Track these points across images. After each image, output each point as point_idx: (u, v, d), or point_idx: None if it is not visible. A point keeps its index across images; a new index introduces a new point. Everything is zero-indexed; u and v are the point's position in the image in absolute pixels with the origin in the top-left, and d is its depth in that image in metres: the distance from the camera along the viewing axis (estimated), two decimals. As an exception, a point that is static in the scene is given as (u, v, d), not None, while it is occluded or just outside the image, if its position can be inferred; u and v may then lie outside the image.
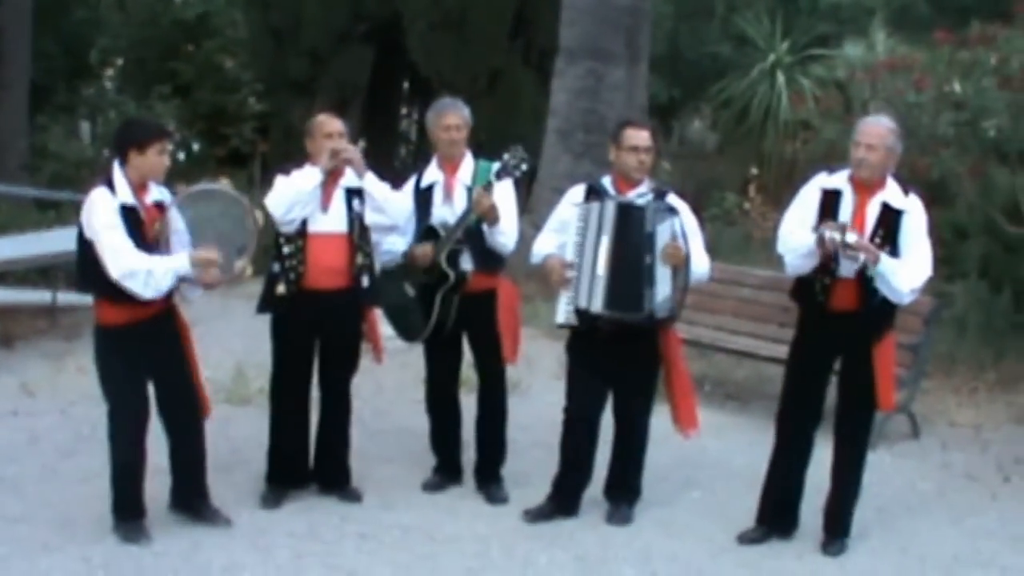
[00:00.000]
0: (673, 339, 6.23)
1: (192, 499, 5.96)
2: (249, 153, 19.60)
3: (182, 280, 5.56)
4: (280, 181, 6.16)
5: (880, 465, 7.24)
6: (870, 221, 5.66)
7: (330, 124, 6.26)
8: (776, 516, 6.09)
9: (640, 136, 6.08)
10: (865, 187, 5.69)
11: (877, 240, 5.60)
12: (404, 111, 24.54)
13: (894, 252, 5.60)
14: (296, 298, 6.11)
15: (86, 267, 5.51)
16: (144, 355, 5.63)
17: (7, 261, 9.37)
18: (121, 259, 5.37)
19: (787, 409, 6.04)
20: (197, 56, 22.00)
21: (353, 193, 6.19)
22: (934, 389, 9.07)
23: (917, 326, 7.92)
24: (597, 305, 5.85)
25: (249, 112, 20.51)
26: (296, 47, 19.41)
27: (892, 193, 5.70)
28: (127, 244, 5.38)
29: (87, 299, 11.34)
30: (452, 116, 6.47)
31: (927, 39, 10.67)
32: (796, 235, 5.75)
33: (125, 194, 5.46)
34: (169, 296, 5.66)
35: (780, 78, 18.24)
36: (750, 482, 6.29)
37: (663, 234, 5.83)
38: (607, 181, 6.15)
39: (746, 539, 6.05)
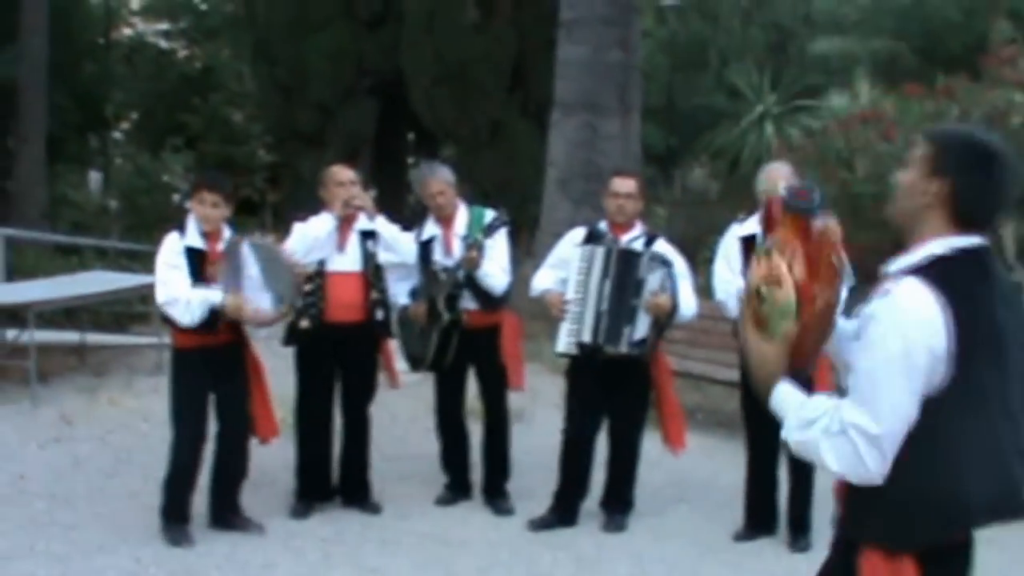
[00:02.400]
0: (663, 367, 6.96)
1: (226, 512, 6.63)
2: (260, 202, 20.15)
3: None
4: (298, 228, 6.86)
5: (853, 481, 7.96)
6: None
7: (341, 173, 6.99)
8: (759, 516, 6.80)
9: (624, 184, 6.83)
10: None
11: None
12: (411, 160, 25.14)
13: None
14: (318, 331, 6.81)
15: None
16: (209, 378, 6.35)
17: (40, 302, 10.03)
18: (165, 288, 6.14)
19: (749, 426, 6.76)
20: (204, 109, 22.57)
21: (366, 235, 6.92)
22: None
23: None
24: (586, 335, 6.58)
25: (259, 163, 21.06)
26: (304, 100, 19.85)
27: None
28: (174, 277, 6.13)
29: (113, 338, 12.14)
30: (434, 183, 7.15)
31: (898, 91, 11.41)
32: (729, 282, 6.53)
33: (193, 237, 6.24)
34: (239, 330, 6.41)
35: (769, 128, 18.89)
36: (734, 497, 6.97)
37: (652, 283, 6.52)
38: (604, 225, 6.88)
39: (738, 538, 6.75)
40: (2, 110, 18.35)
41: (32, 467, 7.71)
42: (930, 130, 3.23)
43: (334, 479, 7.18)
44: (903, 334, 2.81)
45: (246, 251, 6.34)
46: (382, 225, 6.98)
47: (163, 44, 28.71)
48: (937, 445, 2.86)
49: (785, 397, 3.09)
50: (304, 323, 6.84)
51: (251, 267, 6.31)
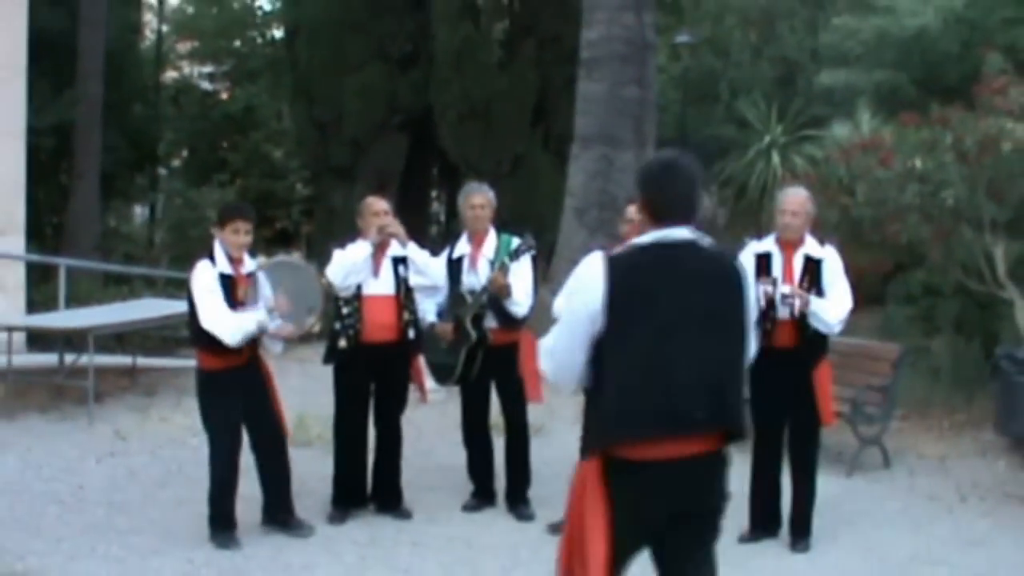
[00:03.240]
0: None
1: (280, 513, 6.85)
2: (294, 234, 20.39)
3: (263, 334, 6.52)
4: (337, 254, 7.10)
5: (854, 489, 8.16)
6: (797, 271, 6.66)
7: (376, 204, 7.24)
8: (762, 519, 6.96)
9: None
10: (790, 245, 6.73)
11: (804, 285, 6.59)
12: (434, 194, 25.31)
13: (820, 293, 6.59)
14: (355, 351, 7.03)
15: (193, 324, 6.50)
16: (236, 394, 6.56)
17: (98, 327, 10.27)
18: (209, 313, 6.36)
19: (755, 434, 6.91)
20: (245, 146, 22.83)
21: (398, 261, 7.16)
22: (908, 428, 9.90)
23: (887, 370, 8.82)
24: None
25: (297, 197, 21.28)
26: (338, 137, 20.12)
27: (811, 246, 6.75)
28: (216, 302, 6.36)
29: (162, 361, 12.40)
30: (478, 197, 7.43)
31: (897, 121, 11.55)
32: None
33: (223, 264, 6.46)
34: (255, 348, 6.62)
35: (775, 157, 19.02)
36: (740, 503, 7.04)
37: None
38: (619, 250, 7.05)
39: (743, 539, 6.90)
40: (59, 149, 18.64)
41: (90, 478, 7.94)
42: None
43: (368, 487, 7.37)
44: (575, 288, 3.83)
45: (273, 271, 6.61)
46: (413, 251, 7.21)
47: (207, 86, 29.10)
48: (603, 376, 3.72)
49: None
50: (343, 343, 7.06)
51: (278, 285, 6.56)
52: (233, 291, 6.44)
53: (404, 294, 7.17)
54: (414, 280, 7.24)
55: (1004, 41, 14.62)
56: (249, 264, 6.62)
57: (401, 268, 7.16)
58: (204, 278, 6.41)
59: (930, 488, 8.32)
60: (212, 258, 6.49)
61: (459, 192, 7.85)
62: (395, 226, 7.16)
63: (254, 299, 6.53)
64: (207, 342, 6.41)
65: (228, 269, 6.48)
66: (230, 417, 6.60)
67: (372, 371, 7.15)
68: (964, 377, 10.94)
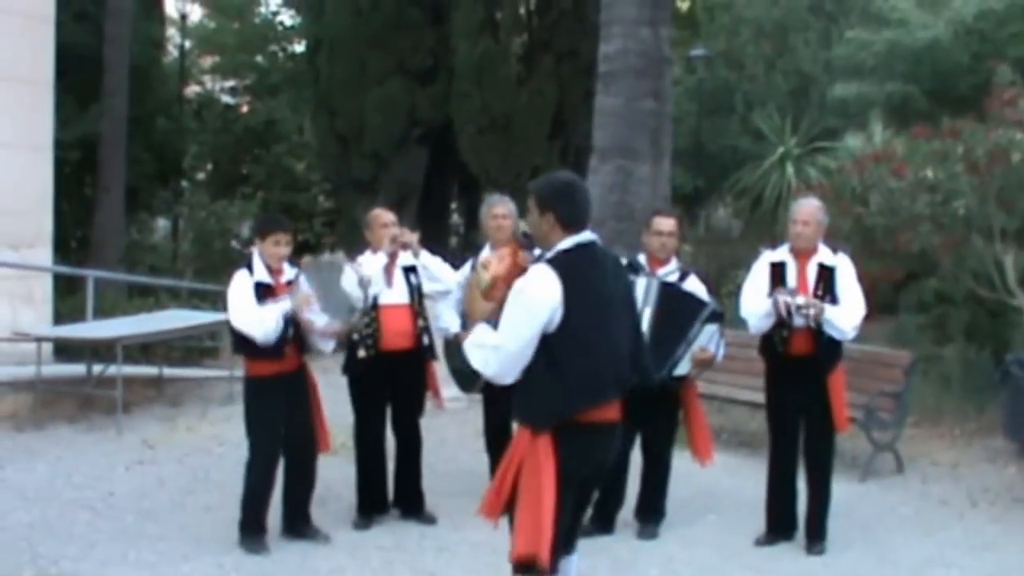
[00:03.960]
0: (691, 388, 7.22)
1: (298, 523, 6.94)
2: (316, 246, 20.53)
3: (312, 334, 6.64)
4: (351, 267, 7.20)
5: (867, 494, 8.25)
6: (811, 280, 6.74)
7: (384, 216, 7.37)
8: (778, 523, 7.04)
9: (666, 223, 7.13)
10: (803, 254, 6.81)
11: (819, 293, 6.67)
12: (454, 206, 25.39)
13: (833, 300, 6.66)
14: (374, 359, 7.13)
15: (232, 331, 6.62)
16: (280, 402, 6.67)
17: (126, 337, 10.40)
18: (239, 313, 6.49)
19: (772, 439, 7.05)
20: (267, 159, 22.98)
21: (409, 270, 7.29)
22: (921, 436, 9.97)
23: (898, 377, 8.89)
24: None
25: (319, 209, 21.40)
26: (360, 150, 20.25)
27: (824, 255, 6.83)
28: (246, 304, 6.47)
29: (188, 371, 12.53)
30: (500, 207, 7.53)
31: (908, 132, 11.61)
32: (755, 302, 6.82)
33: (261, 273, 6.59)
34: (302, 356, 6.74)
35: (789, 168, 19.08)
36: (757, 509, 7.21)
37: (703, 338, 6.80)
38: (642, 258, 7.14)
39: (759, 543, 7.00)
40: (84, 163, 18.80)
41: (120, 486, 8.06)
42: (531, 184, 4.84)
43: (390, 492, 7.46)
44: (531, 297, 4.42)
45: (311, 276, 6.68)
46: (426, 258, 7.33)
47: (229, 100, 29.31)
48: (553, 361, 4.43)
49: (478, 329, 4.66)
50: (362, 352, 7.15)
51: (317, 289, 6.65)
52: (269, 299, 6.54)
53: (417, 302, 7.30)
54: (429, 287, 7.36)
55: (1014, 53, 14.69)
56: (288, 273, 6.72)
57: (412, 276, 7.28)
58: (239, 285, 6.55)
59: (942, 493, 8.39)
60: (250, 268, 6.62)
61: (480, 203, 7.95)
62: (407, 235, 7.27)
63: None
64: (250, 348, 6.54)
65: (267, 278, 6.60)
66: (273, 424, 6.70)
67: (390, 379, 7.24)
68: (975, 384, 10.98)
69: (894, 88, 17.20)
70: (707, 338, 6.83)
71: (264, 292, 6.55)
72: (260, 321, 6.42)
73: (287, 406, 6.70)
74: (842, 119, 18.85)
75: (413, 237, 7.29)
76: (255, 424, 6.71)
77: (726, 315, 7.34)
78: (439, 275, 7.37)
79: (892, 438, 8.96)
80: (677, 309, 6.77)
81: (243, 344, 6.59)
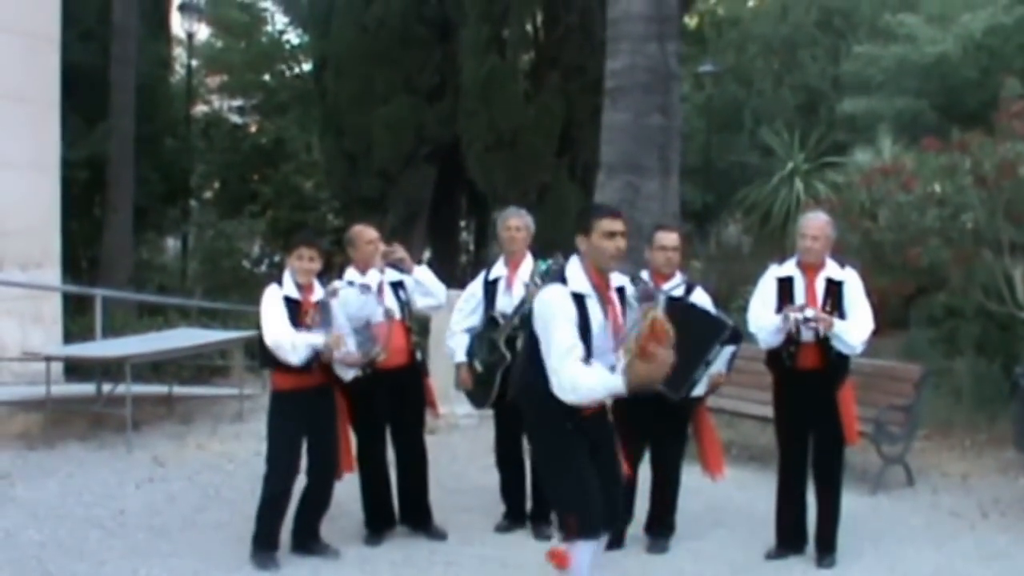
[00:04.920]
0: (700, 403, 7.25)
1: (307, 539, 6.97)
2: (326, 264, 20.56)
3: (334, 360, 6.68)
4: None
5: (878, 506, 8.28)
6: (819, 294, 6.77)
7: (368, 232, 7.41)
8: (789, 536, 7.07)
9: (668, 237, 7.15)
10: (811, 268, 6.84)
11: (827, 308, 6.70)
12: (462, 224, 25.42)
13: (841, 314, 6.70)
14: (371, 378, 7.11)
15: (264, 347, 6.67)
16: (303, 417, 6.72)
17: (136, 355, 10.46)
18: (272, 331, 6.54)
19: (781, 453, 7.09)
20: (275, 178, 23.05)
21: (397, 286, 7.35)
22: (932, 448, 10.02)
23: (909, 390, 8.94)
24: None
25: (328, 227, 21.47)
26: (367, 168, 20.28)
27: (832, 269, 6.86)
28: (279, 322, 6.54)
29: (198, 390, 12.59)
30: (514, 219, 7.61)
31: (918, 146, 11.66)
32: (764, 317, 6.85)
33: (289, 288, 6.66)
34: (330, 373, 6.77)
35: (798, 184, 19.13)
36: (767, 523, 7.24)
37: (720, 362, 6.81)
38: (646, 274, 7.15)
39: (769, 556, 7.04)
40: (92, 182, 18.89)
41: (131, 504, 8.09)
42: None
43: (395, 508, 7.48)
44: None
45: (338, 300, 6.75)
46: (420, 272, 7.42)
47: (237, 119, 29.44)
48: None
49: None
50: (359, 372, 7.19)
51: (341, 315, 6.71)
52: (299, 315, 6.61)
53: (408, 318, 7.37)
54: (422, 302, 7.44)
55: (1022, 67, 14.74)
56: (318, 292, 6.78)
57: (401, 292, 7.34)
58: (269, 301, 6.62)
59: (952, 505, 8.42)
60: (280, 282, 6.70)
61: (489, 221, 8.03)
62: (399, 251, 7.36)
63: (321, 325, 6.65)
64: (277, 362, 6.59)
65: (295, 294, 6.66)
66: (294, 438, 6.75)
67: (390, 395, 7.26)
68: (985, 397, 11.05)
69: (903, 103, 17.27)
70: (724, 361, 6.87)
71: (293, 307, 6.62)
72: (292, 346, 6.48)
73: (310, 423, 6.74)
74: (851, 134, 18.93)
75: (404, 252, 7.36)
76: (274, 436, 6.75)
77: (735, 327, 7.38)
78: (432, 290, 7.44)
79: (902, 451, 9.00)
80: (696, 330, 6.59)
81: (269, 358, 6.65)
